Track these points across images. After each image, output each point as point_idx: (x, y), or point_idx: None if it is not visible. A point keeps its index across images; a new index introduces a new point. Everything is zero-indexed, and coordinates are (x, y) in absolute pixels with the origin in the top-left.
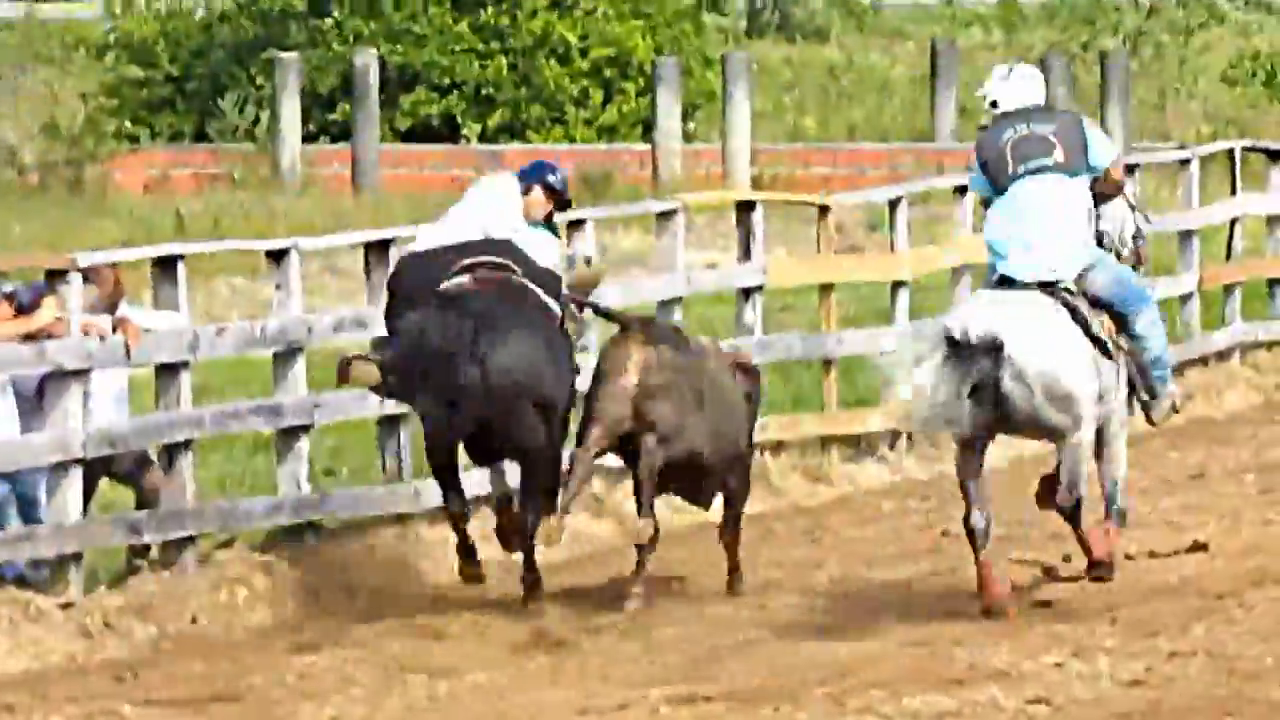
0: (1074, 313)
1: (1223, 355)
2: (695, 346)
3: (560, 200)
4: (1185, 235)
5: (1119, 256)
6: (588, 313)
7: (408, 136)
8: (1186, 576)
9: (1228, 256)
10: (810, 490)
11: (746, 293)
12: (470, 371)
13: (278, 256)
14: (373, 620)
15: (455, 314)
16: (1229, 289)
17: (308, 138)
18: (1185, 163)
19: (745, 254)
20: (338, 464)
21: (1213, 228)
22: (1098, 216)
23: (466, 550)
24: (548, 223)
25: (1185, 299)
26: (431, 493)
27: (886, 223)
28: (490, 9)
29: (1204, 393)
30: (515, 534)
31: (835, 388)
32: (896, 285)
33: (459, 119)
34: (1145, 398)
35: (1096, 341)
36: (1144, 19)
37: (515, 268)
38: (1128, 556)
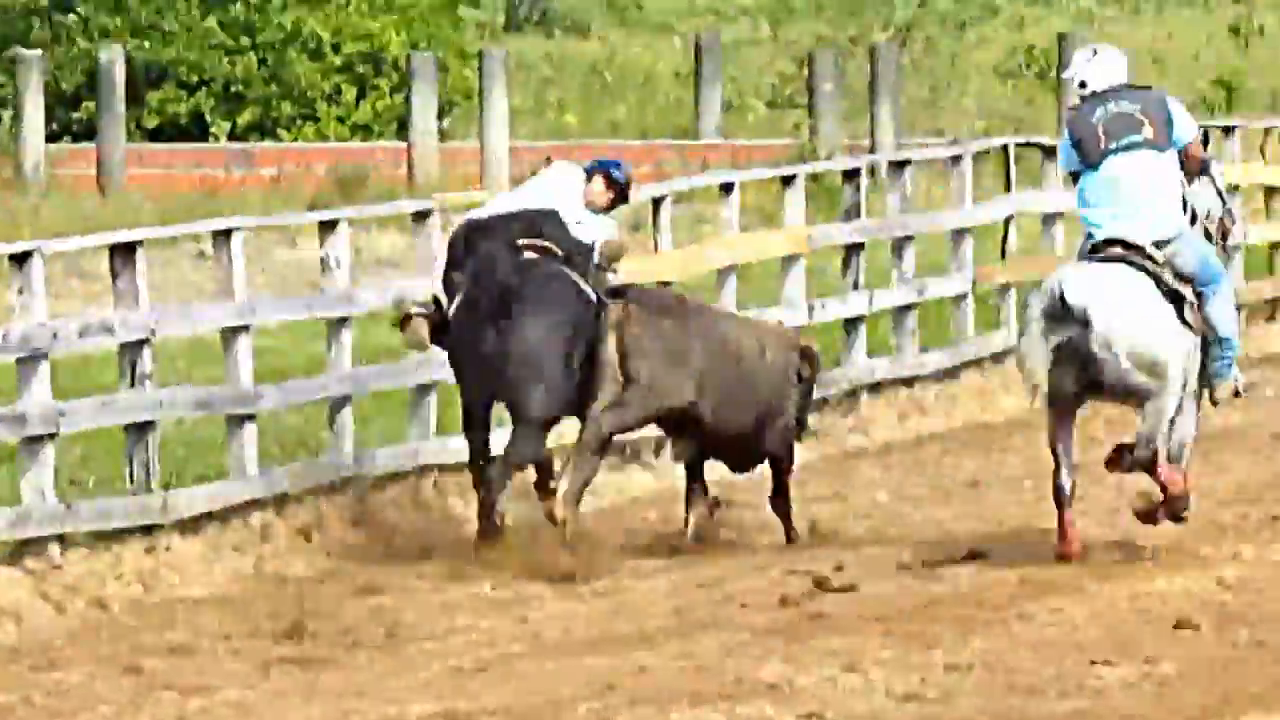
0: (1158, 281)
1: (998, 357)
2: (706, 315)
3: (621, 192)
4: (958, 234)
5: (1208, 235)
6: None
7: (155, 135)
8: (963, 587)
9: (1003, 255)
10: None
11: None
12: (494, 341)
13: (20, 260)
14: (121, 636)
15: (492, 288)
16: (1004, 289)
17: (51, 137)
18: (957, 159)
19: None
20: (84, 474)
21: (987, 226)
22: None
23: (486, 512)
24: (608, 211)
25: (959, 299)
26: (181, 503)
27: (650, 222)
28: (239, 4)
29: (979, 397)
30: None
31: None
32: (660, 285)
33: (208, 117)
34: (1211, 375)
35: (1179, 308)
36: (915, 12)
37: (555, 248)
38: (903, 566)
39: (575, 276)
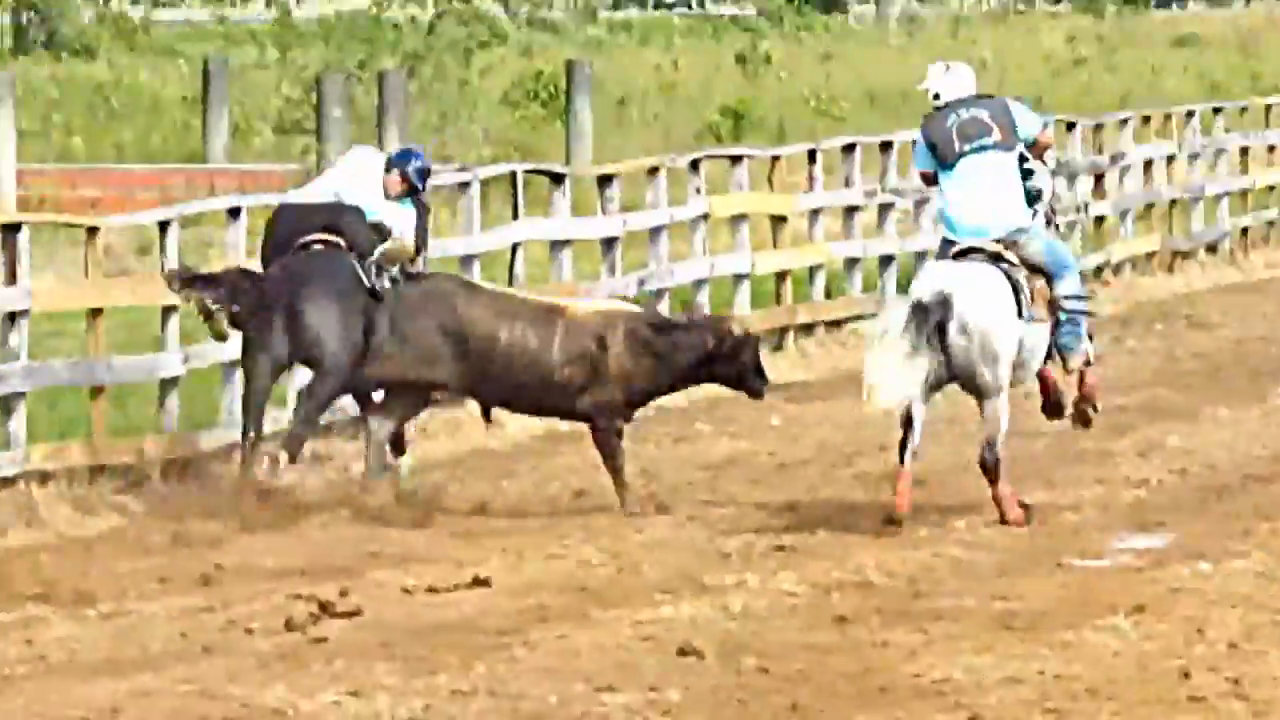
0: (1014, 286)
1: None
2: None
3: (413, 185)
4: (466, 260)
5: (1050, 216)
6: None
7: None
8: (468, 613)
9: (509, 281)
10: (79, 521)
11: (12, 317)
12: (278, 322)
13: None
14: None
15: (281, 277)
16: None
17: None
18: (466, 185)
19: (10, 278)
20: None
21: (495, 252)
22: (1029, 174)
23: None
24: (400, 199)
25: None
26: None
27: (157, 246)
28: None
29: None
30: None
31: (105, 416)
32: (167, 310)
33: None
34: (1063, 348)
35: (1018, 301)
36: (424, 39)
37: (340, 241)
38: (407, 591)
39: (355, 266)
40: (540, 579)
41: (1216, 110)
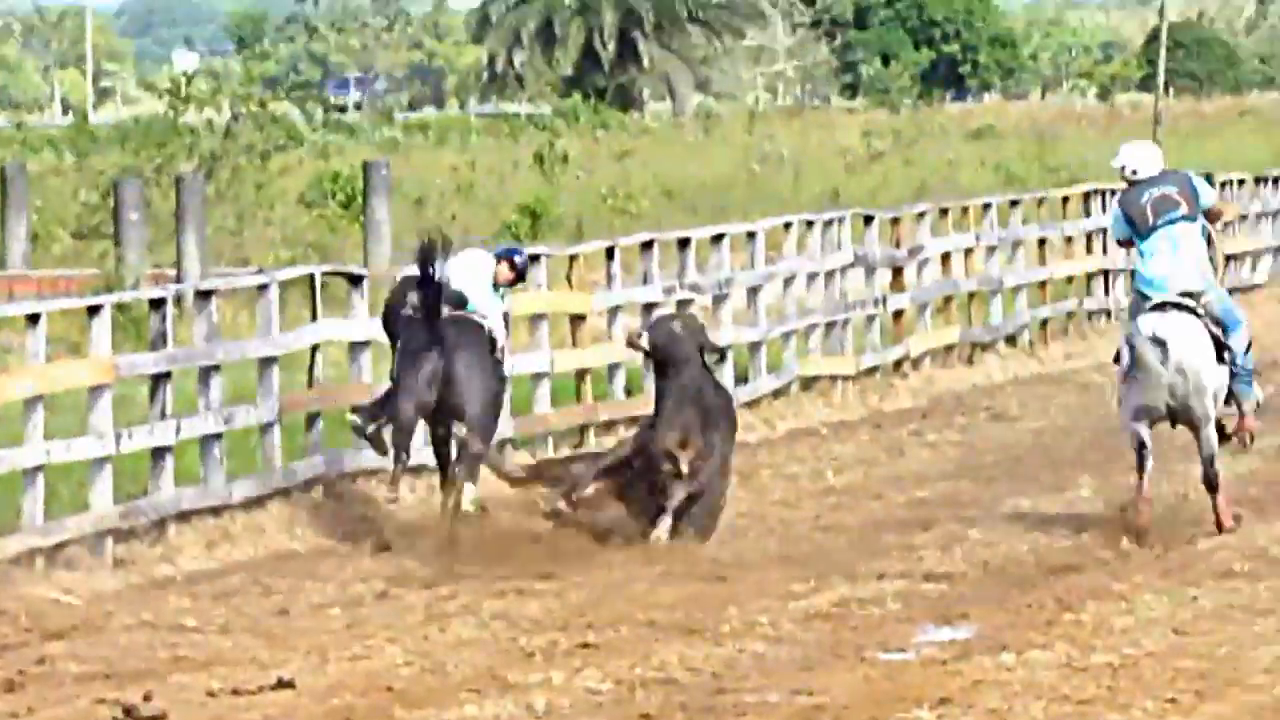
0: (1211, 334)
1: (305, 486)
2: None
3: (520, 274)
4: (266, 362)
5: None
6: None
7: None
8: (272, 715)
9: (309, 384)
10: None
11: None
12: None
13: None
14: None
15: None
16: (311, 418)
17: None
18: (264, 288)
19: None
20: None
21: (294, 354)
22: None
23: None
24: (511, 286)
25: (266, 428)
26: None
27: None
28: None
29: (287, 525)
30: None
31: None
32: None
33: None
34: (1237, 394)
35: (1220, 353)
36: (220, 142)
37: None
38: (212, 694)
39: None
40: (345, 680)
41: (1014, 202)
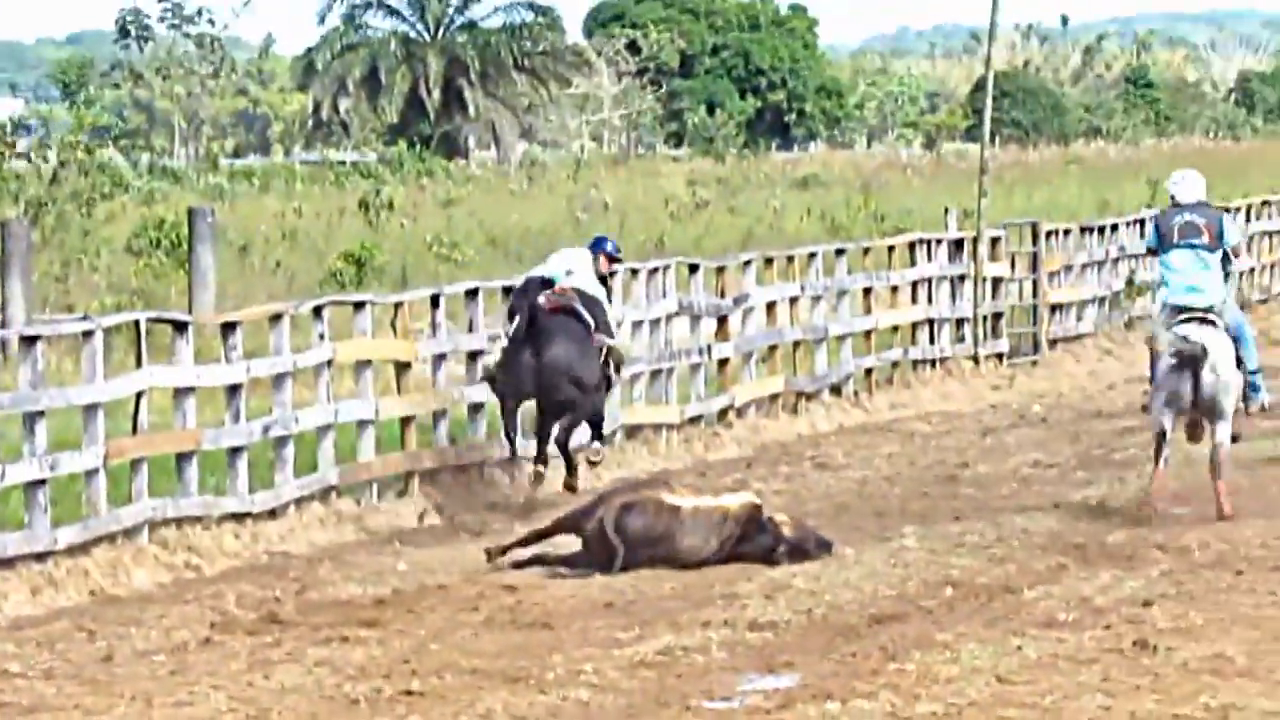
0: (1230, 339)
1: (130, 532)
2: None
3: (618, 262)
4: (90, 409)
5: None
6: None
7: None
8: None
9: (134, 430)
10: None
11: None
12: (532, 359)
13: None
14: None
15: (532, 324)
16: (136, 464)
17: None
18: (89, 334)
19: None
20: None
21: (119, 400)
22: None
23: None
24: (610, 276)
25: (90, 474)
26: None
27: None
28: None
29: (112, 571)
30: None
31: None
32: None
33: None
34: (1245, 397)
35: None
36: (46, 187)
37: (576, 300)
38: None
39: (588, 314)
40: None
41: (839, 251)
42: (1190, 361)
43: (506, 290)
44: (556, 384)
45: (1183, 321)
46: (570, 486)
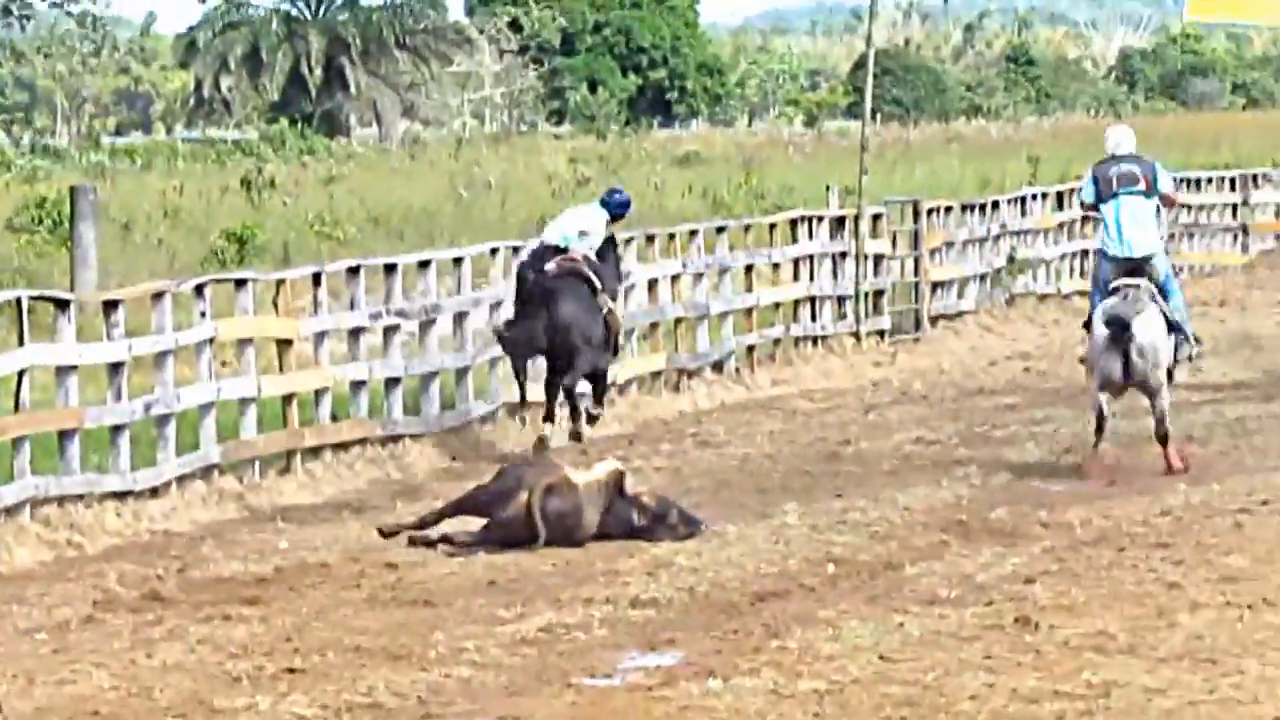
0: (1163, 311)
1: (12, 510)
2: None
3: (621, 216)
4: None
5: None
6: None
7: None
8: None
9: (16, 408)
10: None
11: None
12: (543, 318)
13: None
14: None
15: (541, 286)
16: (18, 442)
17: None
18: None
19: None
20: None
21: (1, 378)
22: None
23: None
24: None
25: None
26: None
27: None
28: None
29: None
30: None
31: None
32: None
33: None
34: (1173, 349)
35: (1170, 326)
36: None
37: (581, 262)
38: None
39: (590, 276)
40: (51, 705)
41: (720, 229)
42: (1122, 337)
43: (389, 268)
44: (566, 340)
45: (1114, 291)
46: (576, 435)
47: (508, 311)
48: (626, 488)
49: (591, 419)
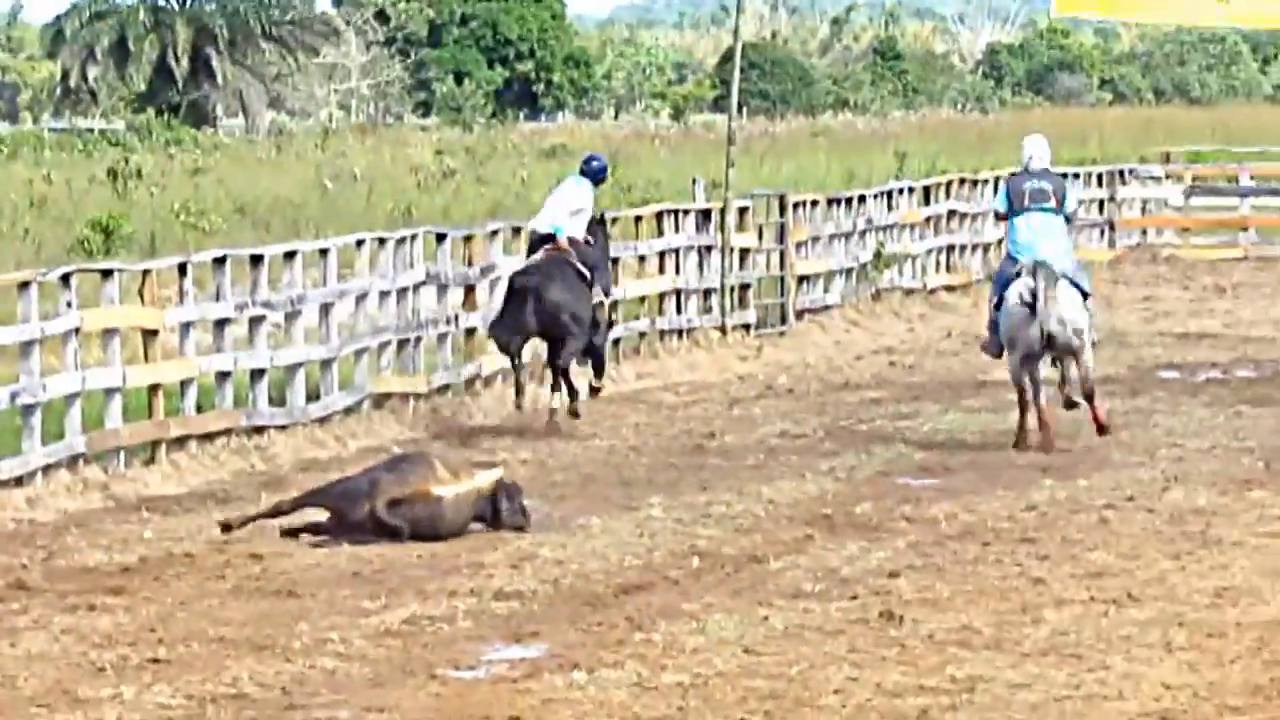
0: (1078, 287)
1: None
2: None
3: (602, 180)
4: None
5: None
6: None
7: None
8: None
9: None
10: None
11: None
12: (533, 301)
13: None
14: None
15: (526, 274)
16: None
17: None
18: None
19: None
20: None
21: None
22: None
23: (519, 391)
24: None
25: None
26: None
27: None
28: None
29: None
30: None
31: None
32: None
33: None
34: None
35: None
36: None
37: (570, 252)
38: None
39: (579, 266)
40: None
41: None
42: (1036, 309)
43: (255, 259)
44: (556, 323)
45: (1025, 274)
46: (574, 412)
47: (495, 309)
48: (513, 494)
49: (594, 391)
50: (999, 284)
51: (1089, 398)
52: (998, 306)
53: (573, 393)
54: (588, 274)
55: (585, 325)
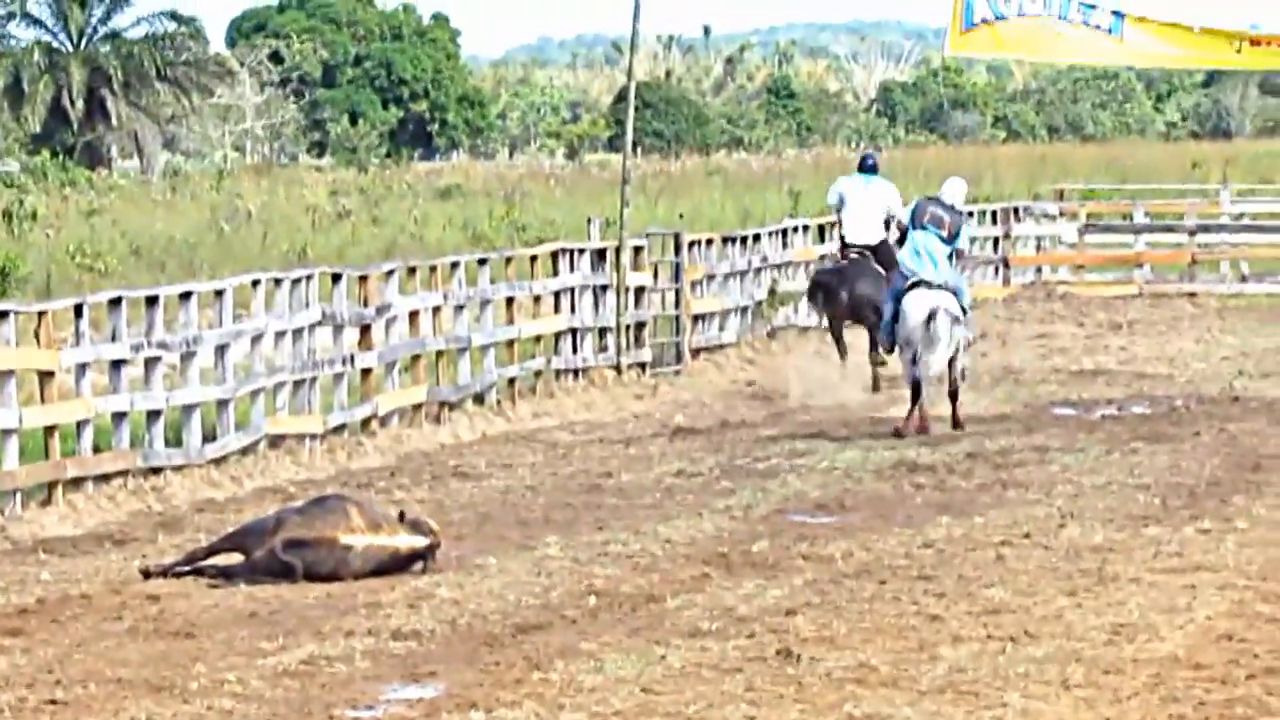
0: (959, 303)
1: None
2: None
3: (868, 168)
4: None
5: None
6: None
7: None
8: None
9: None
10: None
11: None
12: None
13: None
14: None
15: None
16: None
17: None
18: None
19: None
20: None
21: None
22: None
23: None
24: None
25: None
26: None
27: None
28: None
29: None
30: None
31: None
32: None
33: None
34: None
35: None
36: None
37: (870, 256)
38: None
39: (876, 264)
40: None
41: (482, 261)
42: (928, 320)
43: (151, 300)
44: (863, 309)
45: (915, 286)
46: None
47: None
48: (432, 554)
49: (879, 364)
50: (891, 295)
51: (953, 396)
52: (894, 317)
53: (875, 353)
54: (883, 272)
55: (880, 314)
